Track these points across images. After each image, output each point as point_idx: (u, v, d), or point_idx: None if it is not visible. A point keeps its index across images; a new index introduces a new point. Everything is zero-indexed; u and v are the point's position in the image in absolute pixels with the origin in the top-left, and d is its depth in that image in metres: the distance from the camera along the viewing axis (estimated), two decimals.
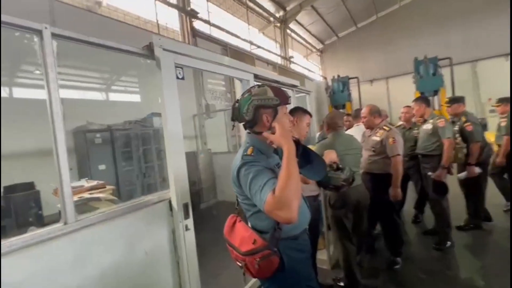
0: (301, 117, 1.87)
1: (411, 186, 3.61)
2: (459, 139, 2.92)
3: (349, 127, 3.69)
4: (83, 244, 1.24)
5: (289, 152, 0.95)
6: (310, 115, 1.92)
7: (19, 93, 3.57)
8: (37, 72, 3.76)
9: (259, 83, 1.20)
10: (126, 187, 4.03)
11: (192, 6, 6.05)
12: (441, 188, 2.70)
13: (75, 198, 1.55)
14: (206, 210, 5.19)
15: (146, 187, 4.33)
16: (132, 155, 4.21)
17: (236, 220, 1.16)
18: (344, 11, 10.69)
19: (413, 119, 3.36)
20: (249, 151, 1.05)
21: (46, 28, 1.15)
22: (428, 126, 2.85)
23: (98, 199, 1.57)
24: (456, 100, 3.35)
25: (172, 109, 1.63)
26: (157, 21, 5.34)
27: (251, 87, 1.16)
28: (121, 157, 4.04)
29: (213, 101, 5.86)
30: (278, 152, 1.18)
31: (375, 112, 2.61)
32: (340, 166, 1.55)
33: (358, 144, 2.20)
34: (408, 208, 3.70)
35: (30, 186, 2.37)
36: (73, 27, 1.34)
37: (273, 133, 1.03)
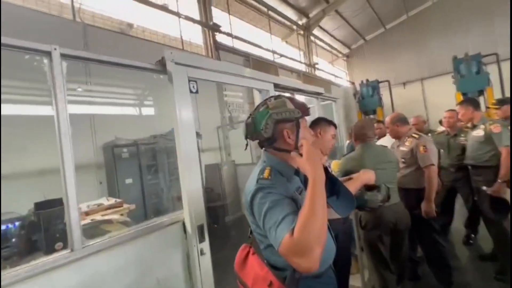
0: (325, 128, 1.68)
1: (459, 201, 3.14)
2: None
3: (381, 135, 3.37)
4: (90, 272, 1.17)
5: (315, 181, 0.78)
6: (335, 126, 1.72)
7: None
8: (79, 89, 4.06)
9: (275, 95, 1.06)
10: (151, 200, 4.08)
11: (215, 21, 6.18)
12: (501, 206, 2.27)
13: (88, 220, 1.52)
14: (230, 224, 5.08)
15: (171, 200, 4.35)
16: (158, 169, 4.27)
17: (249, 252, 1.00)
18: (370, 13, 10.23)
19: (458, 124, 2.95)
20: (265, 174, 0.90)
21: (55, 49, 1.14)
22: (479, 133, 2.46)
23: (110, 221, 1.52)
24: (505, 101, 2.93)
25: (185, 125, 1.55)
26: (181, 37, 5.52)
27: (267, 99, 1.02)
28: (147, 170, 4.12)
29: (233, 113, 5.84)
30: (299, 173, 1.02)
31: (398, 120, 2.38)
32: (376, 184, 1.33)
33: (393, 157, 1.92)
34: (458, 226, 3.22)
35: (59, 202, 2.46)
36: (106, 49, 1.36)
37: (301, 153, 0.88)
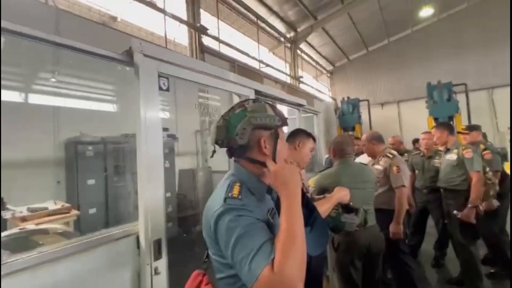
0: (304, 141, 1.58)
1: (430, 222, 3.19)
2: (490, 173, 2.54)
3: (359, 152, 3.37)
4: None
5: (290, 204, 0.70)
6: (314, 139, 1.63)
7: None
8: (53, 80, 3.70)
9: (254, 98, 0.92)
10: (115, 204, 3.75)
11: (204, 24, 6.06)
12: (470, 231, 2.29)
13: (15, 229, 1.27)
14: (201, 234, 4.81)
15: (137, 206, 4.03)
16: (126, 170, 3.96)
17: (202, 281, 0.84)
18: (355, 34, 10.67)
19: (434, 147, 3.03)
20: (235, 191, 0.76)
21: None
22: (451, 157, 2.51)
23: (45, 231, 1.28)
24: (474, 128, 3.13)
25: (151, 125, 1.38)
26: (165, 34, 5.32)
27: (244, 101, 0.89)
28: (114, 172, 3.80)
29: (212, 117, 5.66)
30: (271, 191, 0.88)
31: (374, 138, 2.40)
32: (352, 205, 1.24)
33: (371, 176, 1.86)
34: (428, 248, 3.24)
35: None
36: (83, 40, 1.20)
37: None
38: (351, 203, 1.19)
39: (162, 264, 1.36)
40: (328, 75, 13.36)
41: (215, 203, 0.76)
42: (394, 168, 2.17)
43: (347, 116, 9.71)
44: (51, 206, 1.82)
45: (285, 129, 1.18)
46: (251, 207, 0.73)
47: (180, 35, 5.90)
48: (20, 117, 3.34)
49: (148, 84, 1.37)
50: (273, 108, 0.87)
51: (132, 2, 5.00)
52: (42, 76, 3.72)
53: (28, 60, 3.37)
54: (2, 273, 0.93)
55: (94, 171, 3.60)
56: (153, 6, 5.16)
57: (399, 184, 2.13)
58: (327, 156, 3.97)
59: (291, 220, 0.67)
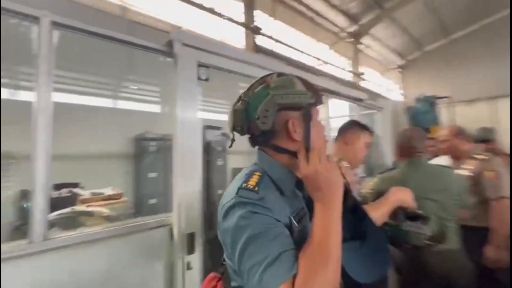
0: (357, 134, 1.31)
1: None
2: None
3: (435, 154, 2.76)
4: (48, 271, 1.00)
5: (326, 210, 0.56)
6: (371, 132, 1.33)
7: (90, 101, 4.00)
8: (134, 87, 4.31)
9: (278, 72, 0.74)
10: (172, 195, 4.04)
11: (260, 25, 6.10)
12: None
13: (68, 209, 1.40)
14: None
15: None
16: None
17: (216, 287, 0.72)
18: (432, 22, 9.17)
19: None
20: (251, 181, 0.62)
21: (45, 15, 1.03)
22: None
23: (90, 213, 1.39)
24: None
25: (188, 117, 1.35)
26: (221, 40, 5.56)
27: (266, 76, 0.71)
28: (171, 166, 4.10)
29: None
30: (302, 185, 0.69)
31: (461, 133, 1.87)
32: (421, 213, 0.94)
33: (455, 183, 1.37)
34: None
35: (74, 186, 2.49)
36: None
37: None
38: (420, 211, 0.88)
39: (195, 259, 1.31)
40: (399, 70, 11.87)
41: (227, 195, 0.63)
42: (491, 174, 1.65)
43: (421, 116, 8.33)
44: (109, 191, 2.02)
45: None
46: (270, 204, 0.58)
47: (236, 38, 6.07)
48: (101, 117, 3.93)
49: (186, 73, 1.35)
50: (304, 82, 0.69)
51: (194, 11, 5.37)
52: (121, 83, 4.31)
53: (110, 70, 3.94)
54: (50, 247, 1.00)
55: (156, 165, 3.95)
56: (213, 12, 5.43)
57: (499, 195, 1.61)
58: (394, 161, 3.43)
59: (325, 231, 0.52)
